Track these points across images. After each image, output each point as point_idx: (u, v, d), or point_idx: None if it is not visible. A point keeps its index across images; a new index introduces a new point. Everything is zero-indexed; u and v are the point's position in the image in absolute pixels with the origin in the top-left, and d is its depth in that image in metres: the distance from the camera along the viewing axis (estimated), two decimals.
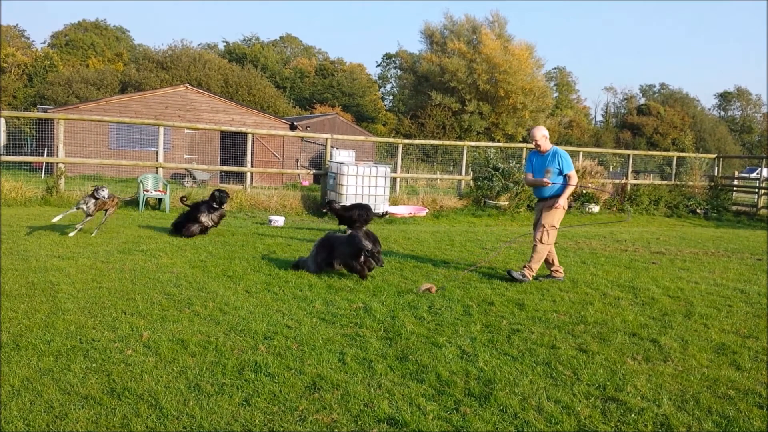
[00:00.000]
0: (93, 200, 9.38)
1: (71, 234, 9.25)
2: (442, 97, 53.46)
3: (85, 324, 5.08)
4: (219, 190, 10.28)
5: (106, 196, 9.54)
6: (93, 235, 9.40)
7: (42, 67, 56.17)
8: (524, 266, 7.70)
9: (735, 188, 22.04)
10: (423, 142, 22.46)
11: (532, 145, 8.08)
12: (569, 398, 4.01)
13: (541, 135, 7.79)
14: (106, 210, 9.77)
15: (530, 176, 7.92)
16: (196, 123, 22.65)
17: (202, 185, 20.42)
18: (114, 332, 4.91)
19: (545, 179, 7.67)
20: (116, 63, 61.85)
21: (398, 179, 17.57)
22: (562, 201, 7.66)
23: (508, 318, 5.84)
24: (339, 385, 4.07)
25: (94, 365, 4.23)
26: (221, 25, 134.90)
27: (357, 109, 65.74)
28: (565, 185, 7.68)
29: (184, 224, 9.91)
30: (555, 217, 7.72)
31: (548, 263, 7.88)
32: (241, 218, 13.43)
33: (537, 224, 7.87)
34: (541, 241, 7.65)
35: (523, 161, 17.97)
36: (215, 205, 10.10)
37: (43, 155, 23.38)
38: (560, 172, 7.69)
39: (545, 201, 7.79)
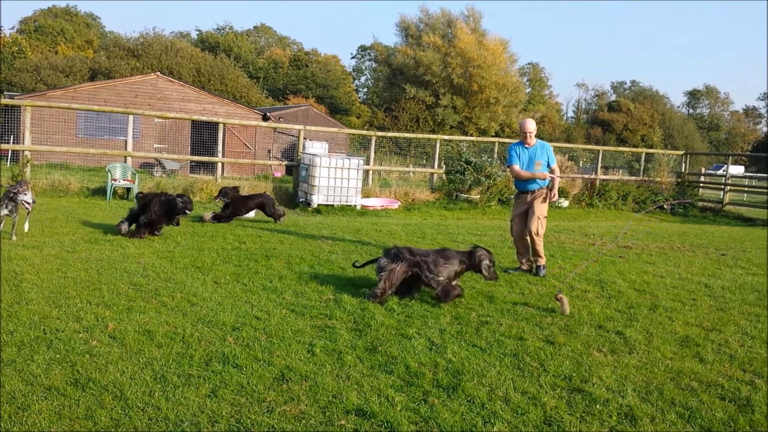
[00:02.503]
0: (12, 204, 7.87)
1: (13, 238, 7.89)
2: (416, 91, 53.47)
3: (50, 314, 4.99)
4: (182, 197, 8.91)
5: (31, 201, 7.97)
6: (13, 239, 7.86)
7: (10, 53, 54.77)
8: (535, 261, 7.89)
9: (701, 185, 22.44)
10: (396, 135, 22.49)
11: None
12: (536, 389, 4.06)
13: (534, 127, 8.01)
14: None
15: (516, 167, 7.96)
16: (166, 112, 22.34)
17: (171, 175, 20.19)
18: (79, 323, 4.83)
19: (540, 171, 7.87)
20: (86, 50, 60.67)
21: (371, 172, 17.56)
22: (556, 192, 7.98)
23: (477, 310, 5.87)
24: (308, 377, 4.06)
25: (57, 356, 4.16)
26: (194, 13, 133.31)
27: (331, 100, 65.43)
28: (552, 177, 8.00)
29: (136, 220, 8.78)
30: (546, 207, 7.97)
31: (521, 255, 7.98)
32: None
33: (527, 215, 7.99)
34: (537, 234, 7.85)
35: (496, 155, 18.08)
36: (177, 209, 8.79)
37: (8, 143, 22.89)
38: (547, 164, 7.93)
39: (533, 192, 7.91)
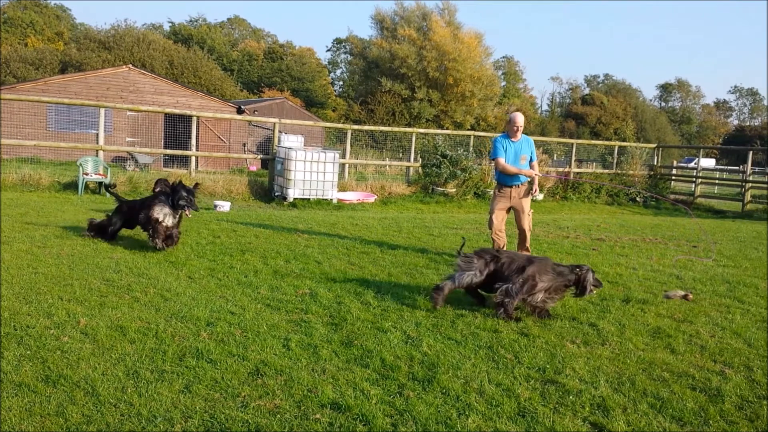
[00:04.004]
0: None
1: None
2: (392, 84, 53.43)
3: (20, 310, 4.91)
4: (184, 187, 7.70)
5: None
6: None
7: None
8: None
9: (673, 177, 22.76)
10: (372, 128, 22.43)
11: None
12: (510, 381, 4.09)
13: (524, 121, 8.04)
14: None
15: (503, 162, 7.94)
16: (138, 105, 22.03)
17: (144, 169, 19.97)
18: (50, 319, 4.76)
19: (526, 168, 7.98)
20: (56, 42, 59.55)
21: (347, 165, 17.52)
22: (537, 187, 8.14)
23: (453, 303, 5.89)
24: (283, 371, 4.04)
25: (28, 352, 4.10)
26: (167, 5, 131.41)
27: (306, 93, 65.11)
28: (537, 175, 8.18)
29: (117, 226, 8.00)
30: (530, 201, 8.13)
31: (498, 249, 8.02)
32: None
33: (509, 210, 8.13)
34: (530, 228, 8.07)
35: (471, 148, 18.14)
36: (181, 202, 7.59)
37: None
38: (530, 159, 8.05)
39: (518, 187, 7.98)
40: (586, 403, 3.83)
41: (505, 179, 8.03)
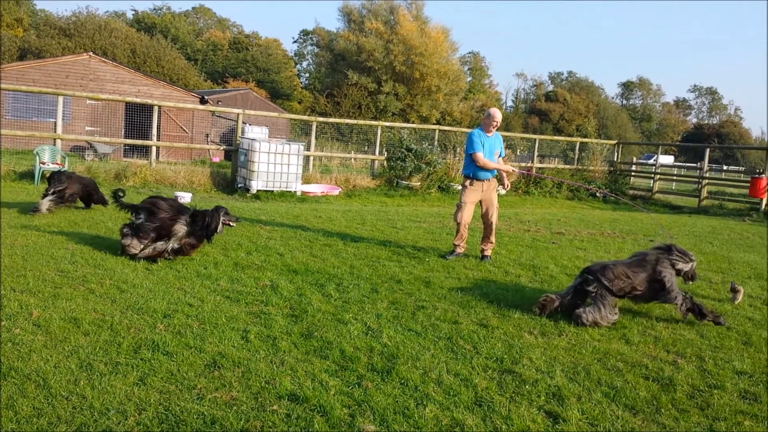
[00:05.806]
0: None
1: None
2: (358, 77, 53.35)
3: None
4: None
5: None
6: None
7: None
8: (488, 249, 8.09)
9: (633, 173, 23.17)
10: (338, 120, 22.31)
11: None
12: (468, 371, 4.12)
13: (501, 116, 8.13)
14: None
15: (482, 156, 7.94)
16: (99, 93, 21.57)
17: (104, 159, 19.59)
18: (1, 310, 4.64)
19: (502, 164, 8.18)
20: (15, 29, 57.90)
21: (312, 158, 17.43)
22: (507, 182, 8.41)
23: (414, 295, 5.92)
24: (240, 363, 4.01)
25: None
26: None
27: (272, 85, 64.51)
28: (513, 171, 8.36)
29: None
30: (497, 196, 8.29)
31: (461, 240, 8.04)
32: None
33: (478, 203, 8.17)
34: (496, 222, 8.21)
35: (436, 143, 18.20)
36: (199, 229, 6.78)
37: None
38: (500, 155, 8.23)
39: (489, 181, 8.10)
40: (542, 392, 3.89)
41: (480, 173, 8.04)
